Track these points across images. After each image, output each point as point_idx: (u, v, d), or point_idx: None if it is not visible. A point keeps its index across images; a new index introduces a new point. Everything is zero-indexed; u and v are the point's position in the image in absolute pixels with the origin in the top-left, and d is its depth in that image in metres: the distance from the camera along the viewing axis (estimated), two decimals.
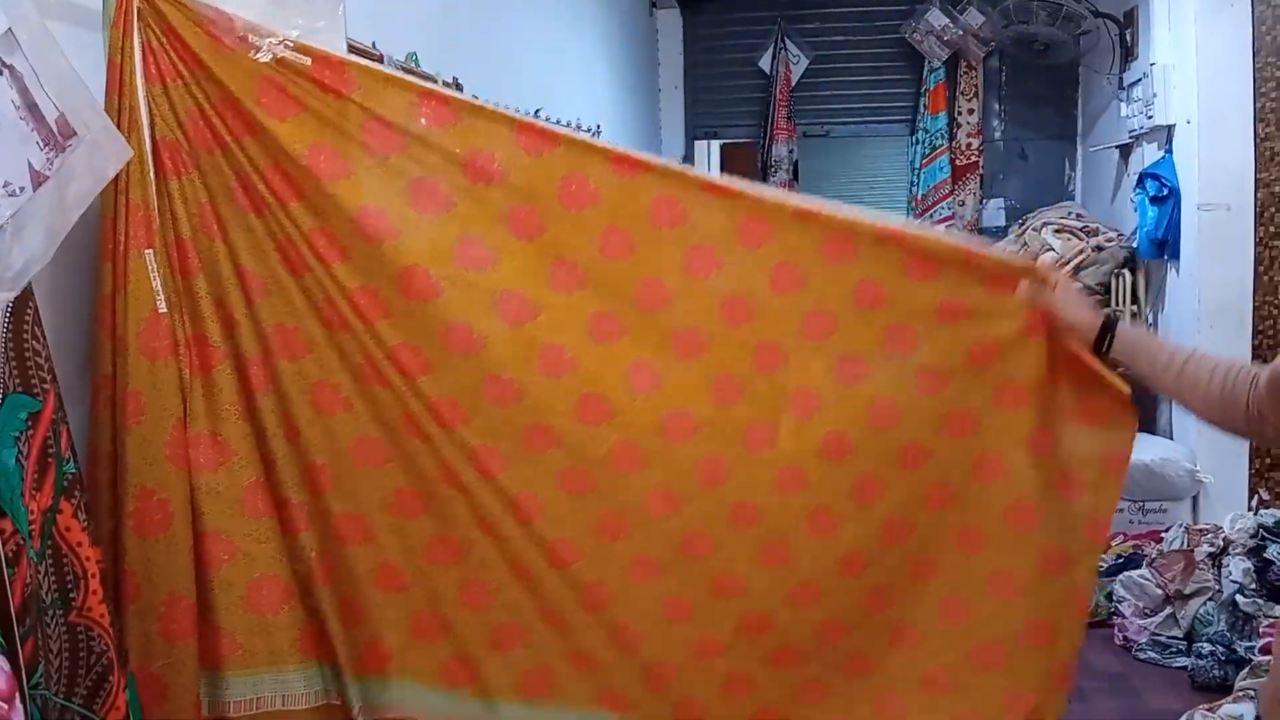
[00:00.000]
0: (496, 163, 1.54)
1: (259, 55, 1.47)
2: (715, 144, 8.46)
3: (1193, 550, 3.64)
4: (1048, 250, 5.40)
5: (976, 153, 6.37)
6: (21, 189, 1.04)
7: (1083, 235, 5.44)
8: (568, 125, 3.53)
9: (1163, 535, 3.95)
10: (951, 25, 6.13)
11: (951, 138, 6.35)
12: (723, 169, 9.13)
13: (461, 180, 1.54)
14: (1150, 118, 4.75)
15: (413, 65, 2.40)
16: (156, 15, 1.45)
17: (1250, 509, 3.88)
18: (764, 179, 6.62)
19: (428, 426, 1.57)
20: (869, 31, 6.48)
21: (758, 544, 1.63)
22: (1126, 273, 5.11)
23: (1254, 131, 4.29)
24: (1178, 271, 4.74)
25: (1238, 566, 3.43)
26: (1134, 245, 5.06)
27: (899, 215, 6.46)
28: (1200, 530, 3.79)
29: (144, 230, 1.46)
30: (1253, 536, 3.53)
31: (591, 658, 1.65)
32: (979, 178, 6.39)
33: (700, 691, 1.66)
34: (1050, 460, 1.63)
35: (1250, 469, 4.18)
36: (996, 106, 6.40)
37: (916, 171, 6.49)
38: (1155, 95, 4.66)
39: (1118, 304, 5.08)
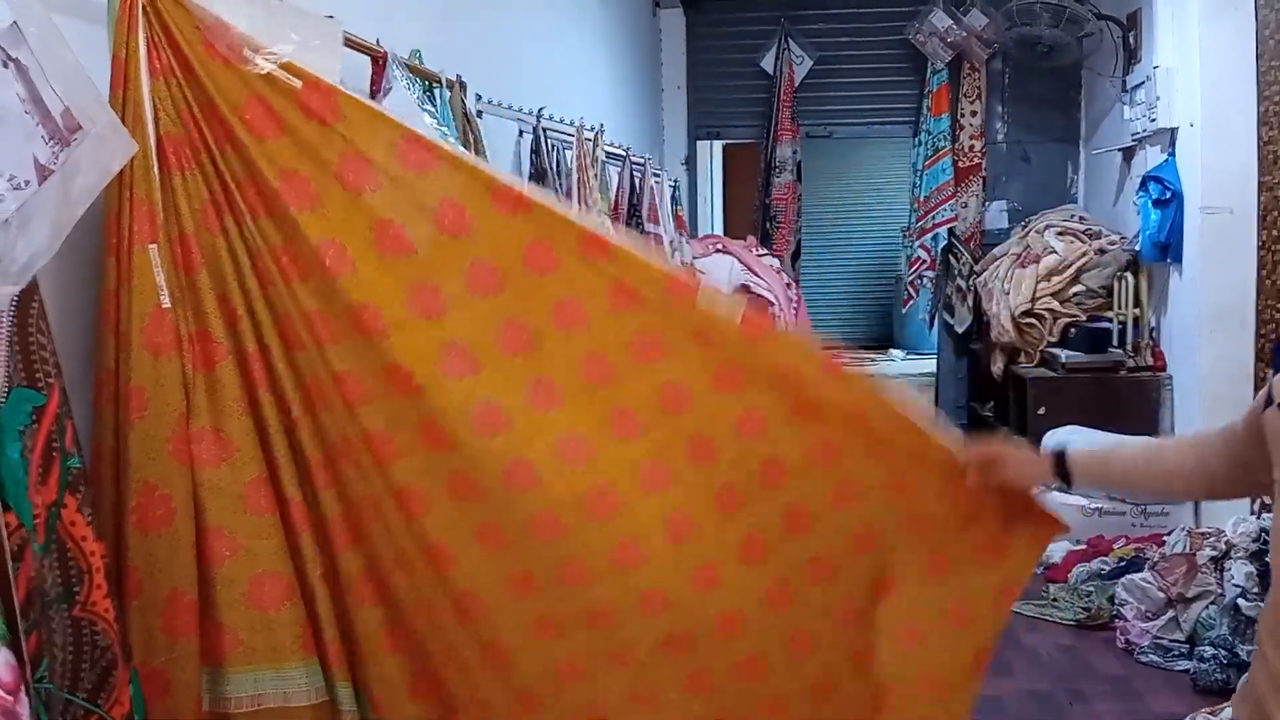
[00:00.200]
0: (467, 216, 1.54)
1: (249, 68, 1.47)
2: (718, 144, 8.47)
3: (1195, 554, 3.64)
4: (1050, 252, 5.40)
5: (979, 155, 6.37)
6: (26, 183, 1.03)
7: (1085, 238, 5.44)
8: (570, 124, 3.53)
9: (1165, 538, 3.94)
10: (955, 27, 6.13)
11: (954, 140, 6.35)
12: (725, 169, 9.15)
13: (429, 228, 1.54)
14: (1153, 120, 4.74)
15: (416, 62, 2.39)
16: (157, 13, 1.46)
17: (1253, 512, 3.87)
18: (768, 179, 6.63)
19: (362, 456, 1.58)
20: (872, 33, 6.48)
21: (664, 631, 1.66)
22: (1129, 276, 5.11)
23: (1257, 134, 4.28)
24: (1180, 275, 4.74)
25: (1240, 570, 3.43)
26: (1137, 248, 5.06)
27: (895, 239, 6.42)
28: (1203, 534, 3.78)
29: (148, 225, 1.46)
30: (1255, 540, 3.53)
31: (488, 706, 1.68)
32: (982, 180, 6.39)
33: None
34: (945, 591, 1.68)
35: None
36: (999, 109, 6.40)
37: (919, 173, 6.49)
38: (1158, 98, 4.66)
39: (1120, 307, 5.08)
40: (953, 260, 6.43)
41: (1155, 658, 3.47)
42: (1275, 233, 4.29)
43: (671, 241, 4.69)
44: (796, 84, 6.53)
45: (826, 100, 6.60)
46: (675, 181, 5.50)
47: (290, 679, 1.57)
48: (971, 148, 6.35)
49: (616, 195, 4.04)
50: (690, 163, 6.93)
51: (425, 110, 2.25)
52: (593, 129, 3.63)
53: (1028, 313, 5.30)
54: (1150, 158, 4.99)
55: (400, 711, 1.67)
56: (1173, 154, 4.71)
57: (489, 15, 3.38)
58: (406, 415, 1.56)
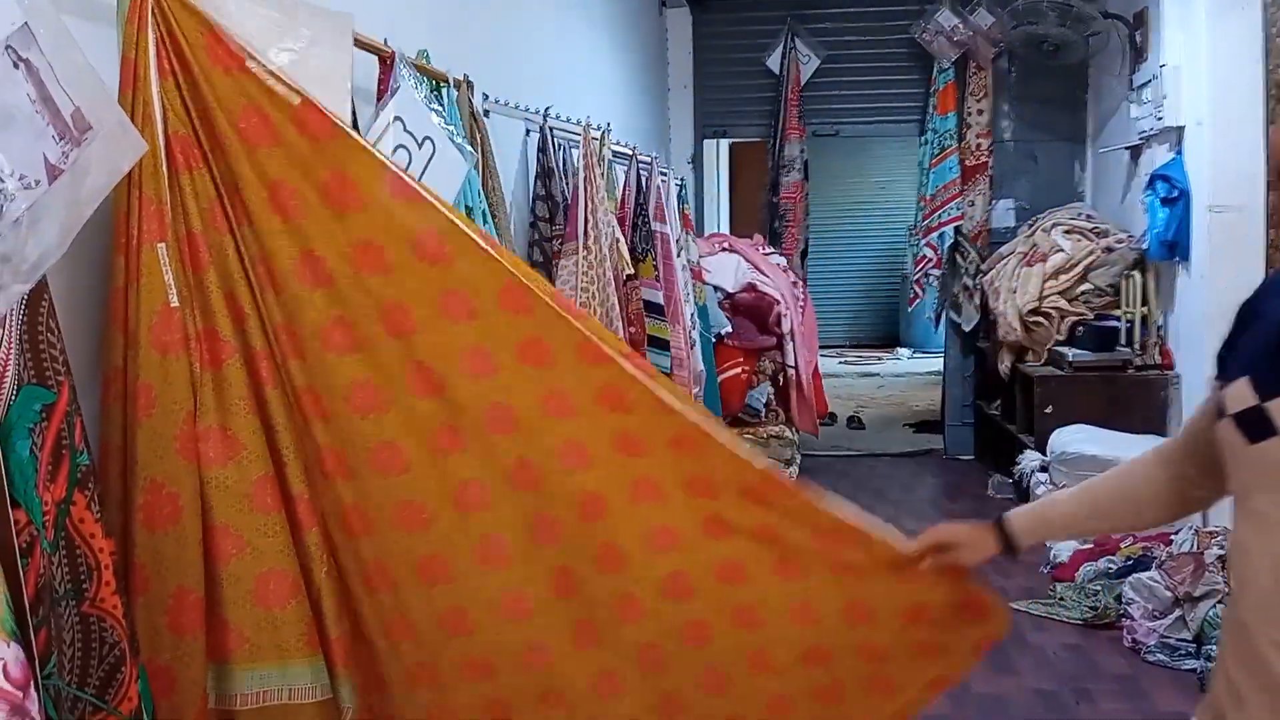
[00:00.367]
0: (447, 245, 1.56)
1: (249, 76, 1.48)
2: (724, 143, 8.47)
3: (1202, 553, 3.63)
4: (1057, 251, 5.39)
5: (986, 153, 6.36)
6: (37, 182, 1.04)
7: (1093, 236, 5.43)
8: (577, 123, 3.53)
9: (1172, 538, 3.94)
10: (961, 26, 6.12)
11: (961, 138, 6.34)
12: (731, 167, 9.15)
13: (408, 253, 1.55)
14: (1160, 119, 4.73)
15: (424, 62, 2.40)
16: (164, 15, 1.46)
17: None
18: (776, 178, 6.62)
19: (314, 472, 1.60)
20: (878, 31, 6.47)
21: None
22: (1136, 274, 5.10)
23: (1265, 133, 4.27)
24: (1188, 273, 4.73)
25: None
26: (1144, 247, 5.05)
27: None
28: (1210, 533, 3.78)
29: (156, 224, 1.46)
30: None
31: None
32: (989, 178, 6.38)
33: None
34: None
35: None
36: (1006, 107, 6.39)
37: (925, 172, 6.48)
38: (1165, 96, 4.65)
39: (1127, 305, 5.07)
40: (960, 259, 6.42)
41: (1162, 657, 3.47)
42: None
43: (678, 240, 4.69)
44: (803, 83, 6.53)
45: (832, 99, 6.60)
46: (682, 180, 5.51)
47: (295, 677, 1.58)
48: (978, 146, 6.34)
49: (623, 194, 4.04)
50: (696, 161, 6.93)
51: (433, 109, 2.25)
52: (599, 128, 3.63)
53: (1035, 311, 5.29)
54: (1157, 156, 4.98)
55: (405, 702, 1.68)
56: (1180, 152, 4.69)
57: (496, 15, 3.38)
58: (355, 438, 1.58)
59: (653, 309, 3.97)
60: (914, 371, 9.89)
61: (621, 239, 3.65)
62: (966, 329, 6.44)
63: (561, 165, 3.40)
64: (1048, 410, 5.05)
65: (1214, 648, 3.27)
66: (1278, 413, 1.11)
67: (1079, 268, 5.27)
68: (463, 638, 1.63)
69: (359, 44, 2.04)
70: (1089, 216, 5.74)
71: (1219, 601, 3.45)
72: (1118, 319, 5.08)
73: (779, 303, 5.79)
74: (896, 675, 1.67)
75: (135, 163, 1.34)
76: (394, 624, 1.63)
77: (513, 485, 1.60)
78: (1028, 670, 3.51)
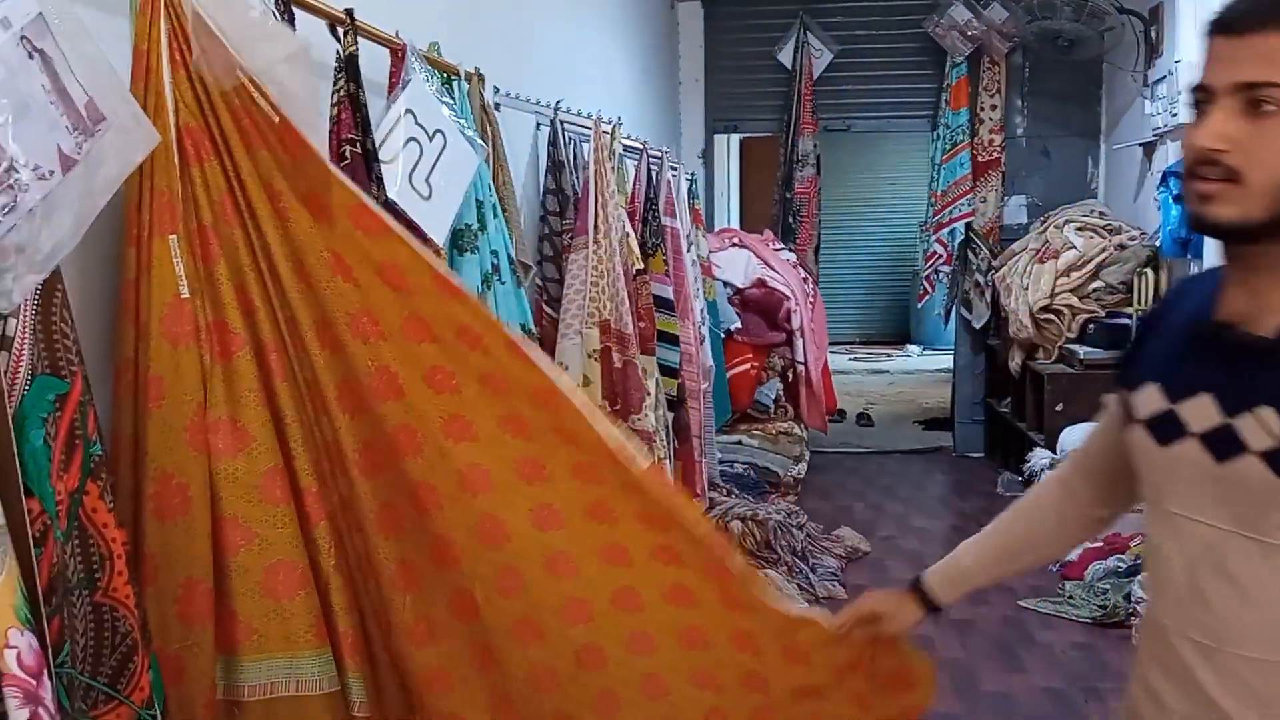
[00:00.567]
0: (408, 279, 1.58)
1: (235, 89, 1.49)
2: (735, 137, 8.46)
3: None
4: (1070, 248, 5.38)
5: (999, 149, 6.33)
6: (51, 173, 1.04)
7: (1105, 233, 5.41)
8: (588, 117, 3.53)
9: None
10: (974, 20, 6.10)
11: (973, 134, 6.31)
12: (742, 162, 9.14)
13: (372, 275, 1.58)
14: (1175, 115, 4.71)
15: (435, 55, 2.40)
16: (175, 7, 1.47)
17: None
18: (789, 173, 6.61)
19: (337, 466, 1.62)
20: (890, 26, 6.45)
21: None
22: (1149, 271, 5.08)
23: None
24: (1201, 270, 4.71)
25: None
26: (1157, 244, 5.03)
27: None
28: None
29: (168, 216, 1.47)
30: None
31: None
32: (1001, 174, 6.36)
33: None
34: None
35: None
36: (1019, 103, 6.36)
37: (936, 167, 6.46)
38: (1180, 92, 4.63)
39: (1140, 303, 5.05)
40: (971, 255, 6.40)
41: None
42: None
43: (688, 235, 4.69)
44: (815, 77, 6.51)
45: (844, 94, 6.58)
46: (692, 175, 5.50)
47: (302, 668, 1.58)
48: (991, 142, 6.32)
49: (634, 189, 4.04)
50: (707, 156, 6.93)
51: (444, 102, 2.25)
52: (610, 122, 3.63)
53: (1046, 308, 5.28)
54: (1171, 153, 4.95)
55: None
56: None
57: (508, 8, 3.38)
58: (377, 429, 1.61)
59: (662, 304, 3.97)
60: (924, 368, 9.87)
61: (632, 233, 3.65)
62: (977, 326, 6.43)
63: (572, 159, 3.39)
64: (1058, 408, 5.04)
65: None
66: (1188, 415, 1.12)
67: (1091, 265, 5.25)
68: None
69: (370, 36, 2.04)
70: (1102, 213, 5.72)
71: None
72: (1130, 317, 5.07)
73: (789, 298, 5.78)
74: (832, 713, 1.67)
75: (148, 154, 1.34)
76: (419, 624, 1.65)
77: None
78: (1036, 668, 3.50)
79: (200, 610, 1.49)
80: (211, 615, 1.51)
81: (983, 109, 6.30)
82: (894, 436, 7.14)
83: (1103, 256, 5.24)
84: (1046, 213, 6.00)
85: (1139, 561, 3.92)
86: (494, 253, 2.49)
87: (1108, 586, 3.92)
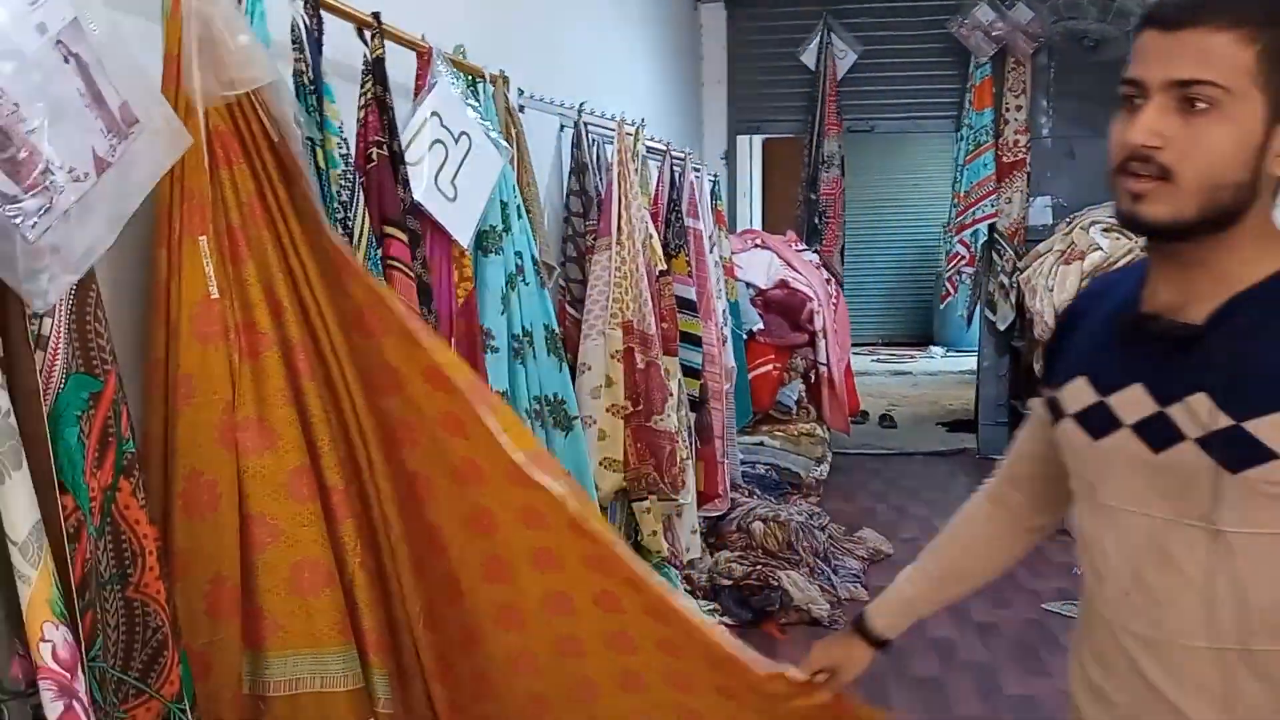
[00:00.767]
0: (378, 323, 1.60)
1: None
2: (757, 139, 8.44)
3: None
4: (1095, 249, 5.34)
5: (1024, 150, 6.29)
6: (85, 175, 1.06)
7: (1131, 235, 5.36)
8: (611, 119, 3.54)
9: None
10: (999, 21, 6.07)
11: (998, 135, 6.28)
12: (765, 163, 9.12)
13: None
14: None
15: (460, 58, 2.41)
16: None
17: None
18: (814, 174, 6.60)
19: (359, 452, 1.65)
20: (914, 26, 6.42)
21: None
22: None
23: None
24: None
25: None
26: None
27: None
28: None
29: (198, 217, 1.49)
30: None
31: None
32: (1026, 175, 6.32)
33: None
34: None
35: None
36: (1044, 103, 6.32)
37: (960, 168, 6.43)
38: None
39: None
40: (995, 257, 6.37)
41: None
42: None
43: (710, 236, 4.69)
44: (839, 78, 6.49)
45: (867, 95, 6.56)
46: (715, 176, 5.50)
47: (327, 665, 1.60)
48: (1016, 143, 6.28)
49: (656, 190, 4.05)
50: (730, 157, 6.92)
51: (469, 105, 2.27)
52: (634, 124, 3.64)
53: None
54: None
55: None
56: None
57: (532, 10, 3.40)
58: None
59: (685, 305, 3.98)
60: (947, 370, 9.82)
61: (655, 235, 3.65)
62: (1002, 327, 6.39)
63: (595, 160, 3.40)
64: None
65: None
66: (1119, 406, 1.12)
67: (1117, 267, 5.21)
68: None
69: (397, 40, 2.06)
70: None
71: None
72: None
73: (811, 299, 5.77)
74: None
75: (179, 157, 1.36)
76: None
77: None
78: (1060, 672, 3.46)
79: (227, 606, 1.51)
80: (238, 611, 1.52)
81: (1008, 109, 6.26)
82: (917, 438, 7.11)
83: (1129, 258, 5.20)
84: (1072, 214, 5.95)
85: None
86: (518, 254, 2.50)
87: None
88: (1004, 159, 6.29)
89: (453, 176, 2.16)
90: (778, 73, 6.67)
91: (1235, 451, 1.02)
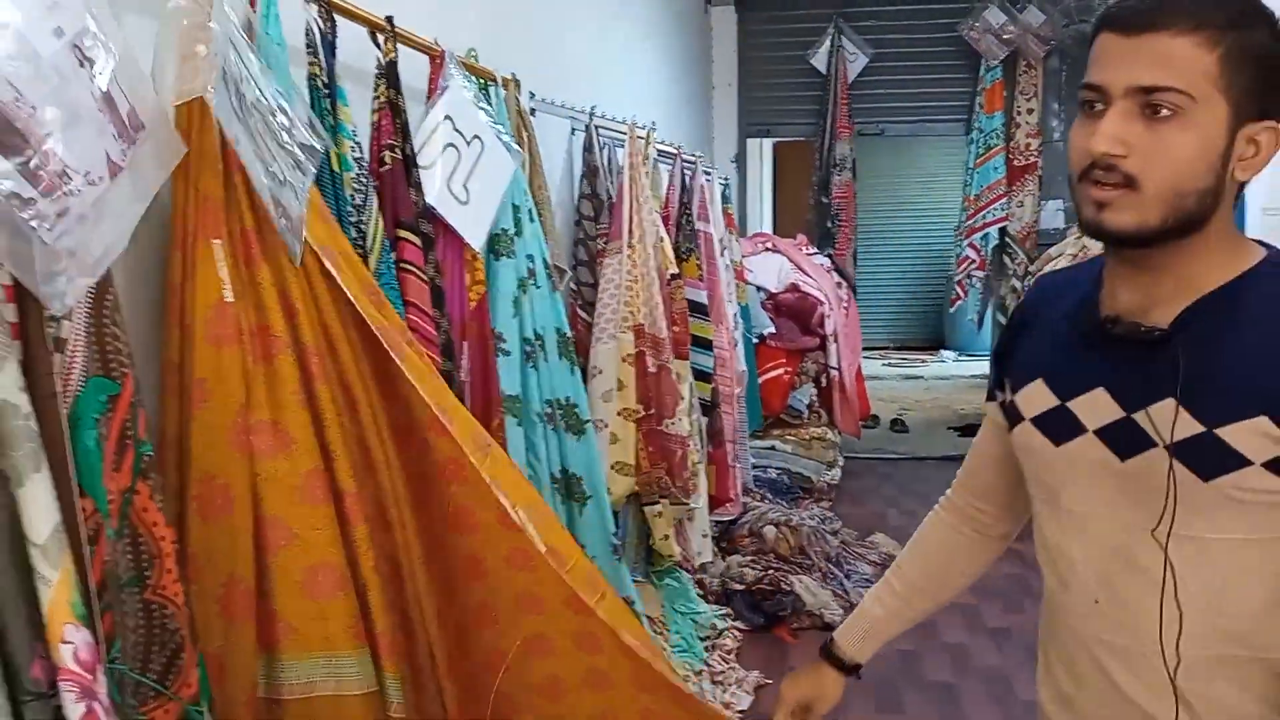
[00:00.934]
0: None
1: None
2: (768, 142, 8.45)
3: None
4: None
5: (1035, 153, 6.28)
6: (100, 179, 1.06)
7: None
8: (621, 122, 3.54)
9: None
10: (1010, 23, 6.06)
11: (1009, 138, 6.27)
12: (775, 166, 9.12)
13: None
14: None
15: (472, 61, 2.42)
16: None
17: None
18: (825, 178, 6.60)
19: (373, 455, 1.68)
20: (925, 30, 6.43)
21: None
22: None
23: None
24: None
25: None
26: None
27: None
28: None
29: (213, 220, 1.49)
30: None
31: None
32: (1038, 179, 6.30)
33: None
34: None
35: None
36: (1056, 106, 6.31)
37: (970, 171, 6.42)
38: None
39: None
40: (1007, 260, 6.35)
41: None
42: None
43: (721, 240, 4.69)
44: (850, 80, 6.49)
45: (878, 98, 6.56)
46: (725, 179, 5.50)
47: (341, 668, 1.60)
48: (1027, 146, 6.27)
49: (667, 194, 4.05)
50: (740, 160, 6.92)
51: (481, 108, 2.27)
52: (645, 127, 3.64)
53: None
54: None
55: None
56: None
57: (542, 14, 3.40)
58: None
59: (696, 308, 3.98)
60: (958, 374, 9.79)
61: (666, 238, 3.65)
62: None
63: (606, 164, 3.41)
64: None
65: None
66: (1082, 411, 1.09)
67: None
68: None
69: (410, 43, 2.07)
70: None
71: None
72: None
73: (822, 303, 5.77)
74: None
75: (191, 161, 1.37)
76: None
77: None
78: None
79: (241, 609, 1.51)
80: (253, 614, 1.52)
81: (1019, 113, 6.25)
82: (928, 443, 7.09)
83: None
84: None
85: None
86: (529, 257, 2.50)
87: None
88: (1015, 162, 6.28)
89: (465, 180, 2.17)
90: (788, 76, 6.68)
91: (1207, 458, 1.00)
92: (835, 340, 5.81)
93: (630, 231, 3.20)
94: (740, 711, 3.15)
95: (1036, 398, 1.14)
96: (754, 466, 5.13)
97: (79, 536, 0.99)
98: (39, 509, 0.92)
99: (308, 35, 1.73)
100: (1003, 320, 6.43)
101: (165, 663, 1.16)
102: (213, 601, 1.49)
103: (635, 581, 3.17)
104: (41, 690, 0.92)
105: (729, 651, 3.56)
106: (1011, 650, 3.69)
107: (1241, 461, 0.99)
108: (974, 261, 6.42)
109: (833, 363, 5.82)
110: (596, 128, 3.37)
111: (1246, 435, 0.98)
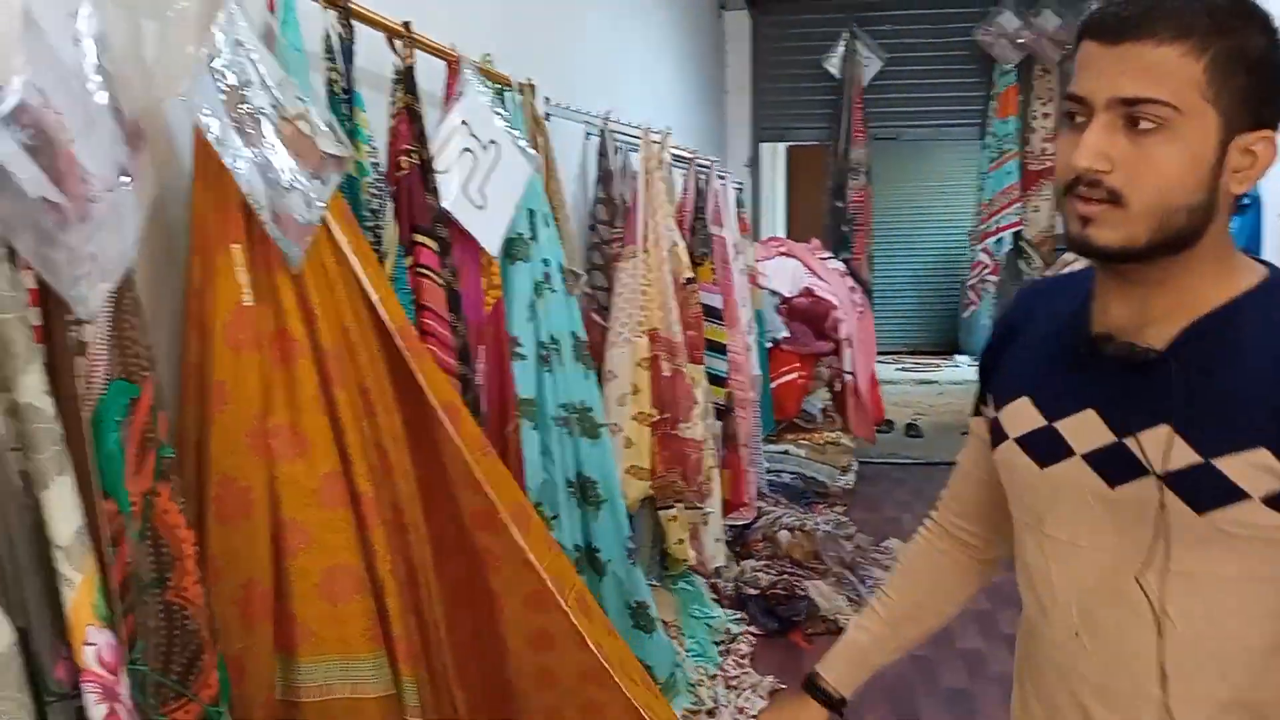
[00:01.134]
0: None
1: None
2: (781, 146, 8.44)
3: None
4: None
5: (1052, 158, 6.25)
6: (115, 185, 1.08)
7: None
8: (635, 127, 3.55)
9: None
10: (1025, 28, 6.04)
11: (1024, 143, 6.25)
12: (789, 170, 9.11)
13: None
14: None
15: (488, 66, 2.43)
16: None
17: None
18: (842, 183, 6.59)
19: (390, 459, 1.69)
20: (939, 34, 6.41)
21: None
22: None
23: None
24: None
25: None
26: None
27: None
28: None
29: (232, 225, 1.50)
30: None
31: None
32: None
33: None
34: None
35: None
36: None
37: (983, 176, 6.40)
38: None
39: None
40: (1023, 265, 6.33)
41: None
42: None
43: (735, 244, 4.69)
44: (864, 85, 6.49)
45: (892, 102, 6.55)
46: (739, 184, 5.50)
47: (358, 671, 1.60)
48: (1044, 151, 6.25)
49: (682, 198, 4.05)
50: (754, 165, 6.92)
51: (497, 113, 2.28)
52: (659, 132, 3.65)
53: None
54: None
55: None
56: None
57: (557, 19, 3.41)
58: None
59: (711, 313, 3.98)
60: (973, 379, 9.69)
61: (680, 243, 3.66)
62: None
63: (621, 168, 3.41)
64: None
65: None
66: (1070, 433, 1.03)
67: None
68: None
69: (426, 48, 2.08)
70: None
71: None
72: None
73: (836, 308, 5.76)
74: None
75: (217, 165, 1.38)
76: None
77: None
78: None
79: (260, 611, 1.52)
80: (271, 616, 1.53)
81: (1035, 117, 6.23)
82: (943, 447, 7.05)
83: None
84: None
85: None
86: (545, 261, 2.51)
87: None
88: (1031, 167, 6.26)
89: (481, 185, 2.17)
90: (802, 80, 6.68)
91: (1203, 490, 0.94)
92: (849, 345, 5.80)
93: (645, 236, 3.20)
94: (753, 716, 3.14)
95: (1022, 416, 1.09)
96: (768, 471, 5.12)
97: (101, 538, 1.00)
98: (63, 511, 0.93)
99: (326, 41, 1.75)
100: None
101: (186, 664, 1.17)
102: (231, 604, 1.50)
103: (650, 586, 3.17)
104: (65, 691, 0.93)
105: (743, 656, 3.56)
106: None
107: (1239, 495, 0.93)
108: (987, 267, 6.40)
109: (847, 367, 5.81)
110: (611, 132, 3.37)
111: (1245, 468, 0.93)
